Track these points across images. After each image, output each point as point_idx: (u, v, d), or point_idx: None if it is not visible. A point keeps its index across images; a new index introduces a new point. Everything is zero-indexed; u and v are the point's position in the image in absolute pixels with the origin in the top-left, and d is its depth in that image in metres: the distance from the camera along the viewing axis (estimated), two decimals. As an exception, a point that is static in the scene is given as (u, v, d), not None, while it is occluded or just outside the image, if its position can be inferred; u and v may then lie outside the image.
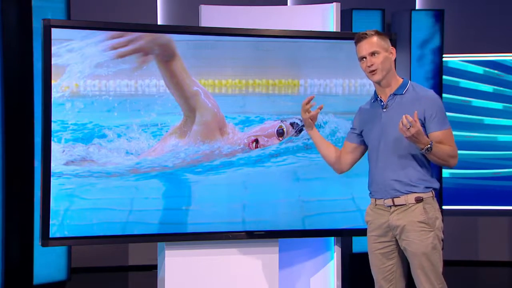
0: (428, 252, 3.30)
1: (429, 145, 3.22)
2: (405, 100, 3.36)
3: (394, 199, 3.36)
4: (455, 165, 3.34)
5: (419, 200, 3.32)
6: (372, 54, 3.37)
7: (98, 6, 6.03)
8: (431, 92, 3.39)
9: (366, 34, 3.39)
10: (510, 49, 6.36)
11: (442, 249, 3.40)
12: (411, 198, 3.33)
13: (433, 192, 3.37)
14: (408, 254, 3.36)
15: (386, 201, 3.39)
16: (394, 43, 4.20)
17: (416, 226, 3.31)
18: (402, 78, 3.45)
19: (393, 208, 3.37)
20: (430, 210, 3.32)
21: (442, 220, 3.40)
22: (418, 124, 3.17)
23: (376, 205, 3.44)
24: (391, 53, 3.40)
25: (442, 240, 3.38)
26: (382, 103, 3.41)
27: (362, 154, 3.61)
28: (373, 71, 3.38)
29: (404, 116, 3.17)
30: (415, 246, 3.32)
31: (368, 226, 3.50)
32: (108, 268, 6.09)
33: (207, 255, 4.17)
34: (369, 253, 3.50)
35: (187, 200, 4.06)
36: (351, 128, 3.63)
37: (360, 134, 3.56)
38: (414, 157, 3.33)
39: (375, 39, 3.37)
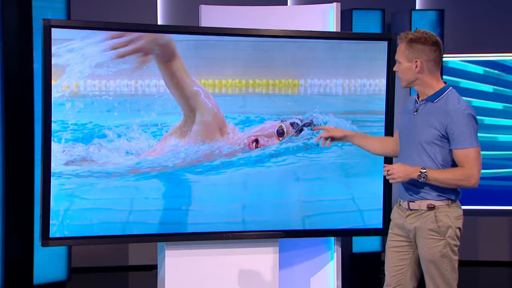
0: (436, 260, 3.28)
1: (420, 173, 3.23)
2: (435, 109, 3.29)
3: (410, 203, 3.35)
4: (475, 186, 3.24)
5: (430, 208, 3.29)
6: (397, 60, 3.36)
7: (98, 6, 6.02)
8: (460, 108, 3.25)
9: (401, 37, 3.33)
10: (510, 49, 6.35)
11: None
12: (423, 204, 3.31)
13: (450, 201, 3.30)
14: (420, 258, 3.37)
15: (404, 203, 3.39)
16: (394, 43, 4.21)
17: (426, 233, 3.29)
18: (444, 83, 3.34)
19: (408, 212, 3.37)
20: (442, 218, 3.28)
21: (461, 227, 3.32)
22: (393, 169, 3.25)
23: (400, 205, 3.44)
24: (416, 65, 3.28)
25: (457, 247, 3.32)
26: (416, 105, 3.37)
27: None
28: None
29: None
30: (424, 253, 3.32)
31: (391, 223, 3.50)
32: (108, 268, 6.09)
33: (207, 255, 4.17)
34: (386, 250, 3.50)
35: (187, 200, 4.06)
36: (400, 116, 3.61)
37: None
38: (431, 164, 3.28)
39: (403, 47, 3.31)
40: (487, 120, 6.32)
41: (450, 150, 3.26)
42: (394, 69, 3.39)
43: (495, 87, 6.34)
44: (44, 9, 4.68)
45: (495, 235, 6.48)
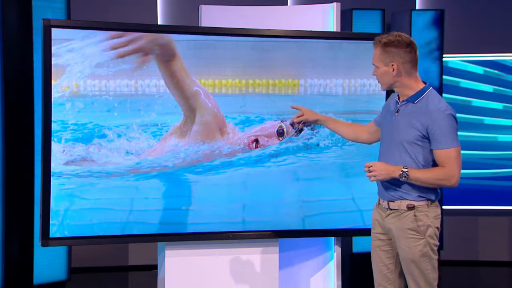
0: (417, 259, 3.31)
1: (401, 172, 3.25)
2: (415, 109, 3.31)
3: (390, 202, 3.39)
4: (456, 186, 3.29)
5: (410, 208, 3.33)
6: (374, 65, 3.39)
7: (98, 6, 6.02)
8: (440, 109, 3.27)
9: (375, 42, 3.36)
10: (510, 49, 6.35)
11: (438, 251, 3.39)
12: (403, 204, 3.34)
13: (429, 201, 3.34)
14: (400, 258, 3.39)
15: (384, 203, 3.42)
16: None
17: (406, 232, 3.33)
18: (424, 83, 3.36)
19: (388, 211, 3.40)
20: (422, 218, 3.31)
21: (440, 227, 3.37)
22: (374, 166, 3.29)
23: (379, 204, 3.48)
24: (393, 68, 3.31)
25: (436, 247, 3.36)
26: (397, 106, 3.39)
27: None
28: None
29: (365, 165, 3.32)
30: (404, 252, 3.34)
31: (372, 223, 3.53)
32: (108, 268, 6.09)
33: (207, 255, 4.17)
34: (371, 250, 3.53)
35: (187, 200, 4.06)
36: (381, 111, 3.64)
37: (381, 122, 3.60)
38: (412, 163, 3.31)
39: (378, 51, 3.35)
40: (487, 120, 6.33)
41: (431, 150, 3.29)
42: (373, 73, 3.42)
43: (495, 87, 6.35)
44: (44, 9, 4.69)
45: (495, 235, 6.49)
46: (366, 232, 4.37)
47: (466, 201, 6.39)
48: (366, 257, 5.71)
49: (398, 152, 3.33)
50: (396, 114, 3.38)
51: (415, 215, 3.31)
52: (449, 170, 3.24)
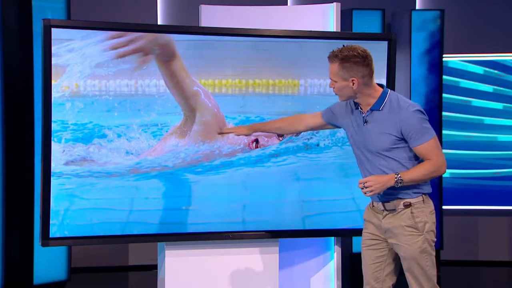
0: (417, 256, 3.33)
1: (396, 178, 3.28)
2: (382, 116, 3.34)
3: (385, 203, 3.40)
4: (445, 172, 3.37)
5: (407, 206, 3.35)
6: (331, 79, 3.39)
7: (98, 6, 6.02)
8: (407, 108, 3.31)
9: (330, 57, 3.35)
10: (510, 49, 6.35)
11: (438, 251, 3.41)
12: (399, 203, 3.36)
13: (424, 196, 3.37)
14: (400, 257, 3.41)
15: (378, 204, 3.43)
16: (394, 43, 4.21)
17: (404, 230, 3.35)
18: (382, 88, 3.39)
19: (385, 212, 3.41)
20: (419, 215, 3.34)
21: (437, 222, 3.41)
22: (369, 182, 3.28)
23: (372, 206, 3.49)
24: (353, 83, 3.31)
25: (434, 242, 3.38)
26: (363, 116, 3.41)
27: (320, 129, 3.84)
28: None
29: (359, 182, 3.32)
30: (404, 250, 3.36)
31: (364, 223, 3.55)
32: (108, 268, 6.09)
33: (207, 255, 4.17)
34: (361, 249, 3.55)
35: (187, 200, 4.06)
36: (330, 107, 3.64)
37: (333, 122, 3.63)
38: (399, 166, 3.34)
39: (335, 67, 3.34)
40: (487, 120, 6.33)
41: (411, 149, 3.33)
42: (330, 86, 3.42)
43: (495, 87, 6.35)
44: (44, 9, 4.69)
45: (495, 235, 6.49)
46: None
47: (466, 201, 6.39)
48: (366, 257, 5.73)
49: (383, 160, 3.36)
50: (365, 124, 3.39)
51: (412, 212, 3.34)
52: (436, 161, 3.30)
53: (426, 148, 3.30)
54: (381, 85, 3.41)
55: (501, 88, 6.35)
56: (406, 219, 3.34)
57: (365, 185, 3.32)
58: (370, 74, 3.34)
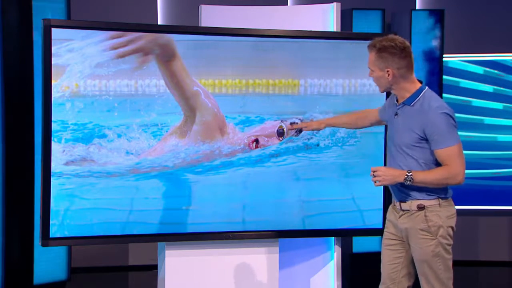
0: (429, 260, 3.31)
1: (406, 176, 3.25)
2: (412, 112, 3.32)
3: (401, 203, 3.38)
4: (461, 183, 3.27)
5: (420, 208, 3.32)
6: (369, 68, 3.40)
7: (98, 6, 6.02)
8: (436, 109, 3.26)
9: (369, 46, 3.36)
10: (510, 49, 6.35)
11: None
12: (414, 204, 3.33)
13: (441, 200, 3.32)
14: (414, 259, 3.39)
15: (397, 203, 3.42)
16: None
17: (418, 233, 3.32)
18: (420, 83, 3.36)
19: (401, 212, 3.39)
20: (433, 218, 3.30)
21: (454, 226, 3.34)
22: (379, 171, 3.29)
23: (394, 205, 3.47)
24: (388, 74, 3.31)
25: (450, 246, 3.33)
26: (396, 108, 3.40)
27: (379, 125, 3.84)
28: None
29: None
30: (416, 252, 3.34)
31: (386, 222, 3.53)
32: (108, 268, 6.09)
33: (207, 255, 4.17)
34: (381, 248, 3.53)
35: (187, 200, 4.06)
36: (385, 103, 3.66)
37: (383, 117, 3.63)
38: (416, 166, 3.31)
39: (372, 56, 3.35)
40: (487, 120, 6.33)
41: (432, 151, 3.28)
42: (369, 75, 3.42)
43: (495, 87, 6.35)
44: (44, 9, 4.68)
45: (495, 235, 6.49)
46: (366, 232, 4.39)
47: (466, 201, 6.38)
48: (366, 257, 5.74)
49: (401, 156, 3.34)
50: (395, 117, 3.39)
51: (425, 215, 3.30)
52: (453, 168, 3.23)
53: (447, 153, 3.23)
54: (420, 81, 3.37)
55: (501, 88, 6.34)
56: (420, 222, 3.31)
57: (375, 173, 3.31)
58: (408, 67, 3.31)
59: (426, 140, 3.27)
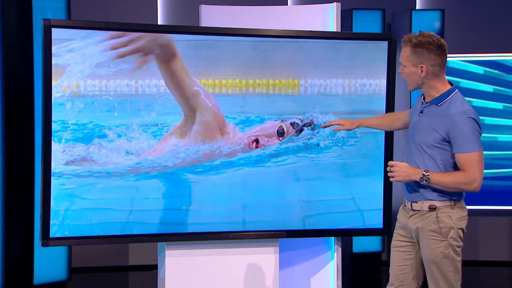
0: (438, 261, 3.29)
1: (422, 175, 3.23)
2: (438, 112, 3.29)
3: (412, 203, 3.36)
4: (476, 191, 3.25)
5: (432, 209, 3.30)
6: (401, 63, 3.36)
7: (98, 6, 6.02)
8: (462, 112, 3.24)
9: (405, 41, 3.31)
10: (510, 49, 6.35)
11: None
12: (425, 205, 3.32)
13: (453, 202, 3.30)
14: (423, 260, 3.38)
15: (408, 204, 3.40)
16: (394, 43, 4.21)
17: (428, 234, 3.30)
18: (451, 85, 3.34)
19: (411, 212, 3.38)
20: (444, 219, 3.28)
21: (465, 229, 3.33)
22: (396, 167, 3.26)
23: (404, 205, 3.45)
24: (422, 70, 3.27)
25: (459, 248, 3.31)
26: (422, 106, 3.37)
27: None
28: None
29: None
30: (426, 253, 3.33)
31: (396, 223, 3.51)
32: (108, 268, 6.09)
33: (207, 255, 4.17)
34: (391, 249, 3.52)
35: (187, 200, 4.06)
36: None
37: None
38: (434, 166, 3.29)
39: (407, 51, 3.30)
40: (487, 120, 6.32)
41: (453, 154, 3.26)
42: (399, 71, 3.38)
43: (495, 87, 6.34)
44: (44, 9, 4.68)
45: (495, 235, 6.49)
46: (366, 232, 4.39)
47: (466, 201, 6.37)
48: (366, 257, 5.75)
49: (420, 154, 3.31)
50: (420, 115, 3.36)
51: (437, 216, 3.28)
52: (470, 175, 3.21)
53: (467, 158, 3.20)
54: (451, 83, 3.35)
55: (501, 88, 6.34)
56: (431, 223, 3.29)
57: (391, 169, 3.29)
58: (441, 64, 3.30)
59: (448, 142, 3.25)
